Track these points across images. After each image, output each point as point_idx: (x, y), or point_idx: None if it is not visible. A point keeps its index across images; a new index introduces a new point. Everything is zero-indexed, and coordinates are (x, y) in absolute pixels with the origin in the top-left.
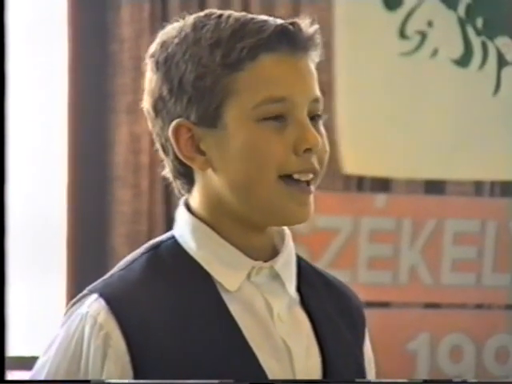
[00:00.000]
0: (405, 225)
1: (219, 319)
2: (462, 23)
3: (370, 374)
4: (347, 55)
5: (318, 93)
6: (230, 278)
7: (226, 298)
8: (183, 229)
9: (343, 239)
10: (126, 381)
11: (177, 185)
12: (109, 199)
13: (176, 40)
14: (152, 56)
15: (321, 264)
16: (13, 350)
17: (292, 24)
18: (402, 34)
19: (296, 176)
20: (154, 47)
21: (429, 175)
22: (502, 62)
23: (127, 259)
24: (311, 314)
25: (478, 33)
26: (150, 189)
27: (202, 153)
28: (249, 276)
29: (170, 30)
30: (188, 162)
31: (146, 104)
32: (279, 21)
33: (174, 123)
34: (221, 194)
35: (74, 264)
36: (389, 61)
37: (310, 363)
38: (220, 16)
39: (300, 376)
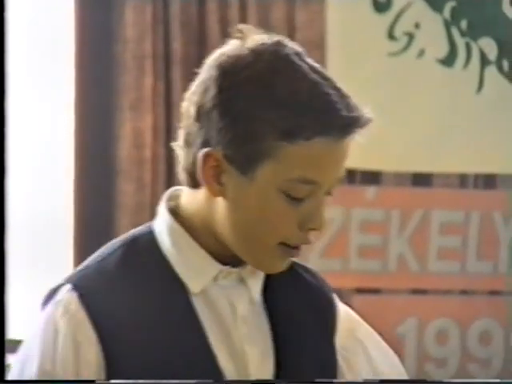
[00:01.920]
0: (393, 215)
1: (185, 319)
2: (448, 25)
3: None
4: (339, 55)
5: (343, 172)
6: (194, 280)
7: (194, 298)
8: (162, 227)
9: (335, 229)
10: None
11: (183, 175)
12: (113, 192)
13: (246, 72)
14: (218, 73)
15: (314, 253)
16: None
17: (356, 115)
18: (391, 36)
19: (292, 245)
20: (216, 66)
21: (416, 168)
22: (484, 61)
23: (104, 251)
24: (272, 316)
25: (463, 34)
26: (152, 182)
27: (221, 184)
28: (216, 279)
29: (238, 57)
30: (203, 184)
31: (192, 108)
32: (348, 107)
33: (208, 149)
34: (217, 220)
35: (80, 255)
36: (378, 60)
37: (263, 365)
38: (297, 66)
39: (253, 377)
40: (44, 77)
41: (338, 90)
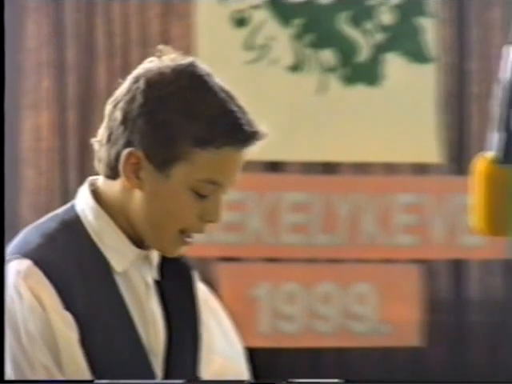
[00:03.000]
0: (250, 196)
1: (110, 294)
2: (295, 38)
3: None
4: (205, 63)
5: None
6: (117, 261)
7: (117, 277)
8: (87, 212)
9: None
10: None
11: (101, 168)
12: (16, 177)
13: (169, 88)
14: (145, 86)
15: None
16: None
17: (256, 130)
18: (247, 47)
19: (190, 233)
20: (144, 80)
21: (270, 157)
22: (326, 68)
23: (41, 227)
24: (163, 293)
25: (307, 45)
26: (47, 169)
27: (139, 178)
28: (135, 261)
29: (162, 74)
30: (123, 177)
31: (119, 113)
32: (249, 123)
33: (131, 149)
34: (133, 209)
35: None
36: (236, 67)
37: (161, 333)
38: (209, 86)
39: (160, 345)
40: None
41: (240, 107)
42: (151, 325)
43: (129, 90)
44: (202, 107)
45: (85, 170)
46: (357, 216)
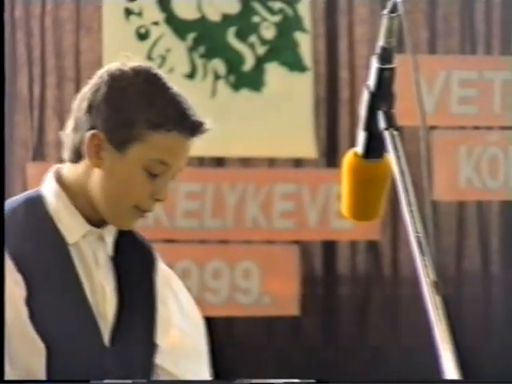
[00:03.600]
0: None
1: (64, 262)
2: (190, 50)
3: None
4: None
5: (185, 164)
6: (70, 234)
7: (70, 248)
8: (48, 191)
9: None
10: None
11: (67, 154)
12: None
13: (129, 80)
14: (108, 78)
15: None
16: None
17: (202, 122)
18: (149, 57)
19: (142, 209)
20: (108, 74)
21: None
22: (216, 76)
23: (9, 209)
24: (118, 268)
25: (201, 56)
26: None
27: (100, 158)
28: (85, 236)
29: (123, 71)
30: (86, 156)
31: (85, 103)
32: (195, 114)
33: (94, 131)
34: (92, 186)
35: None
36: None
37: (112, 298)
38: (163, 82)
39: (109, 312)
40: None
41: (189, 103)
42: (100, 293)
43: (95, 84)
44: (156, 96)
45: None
46: (243, 203)
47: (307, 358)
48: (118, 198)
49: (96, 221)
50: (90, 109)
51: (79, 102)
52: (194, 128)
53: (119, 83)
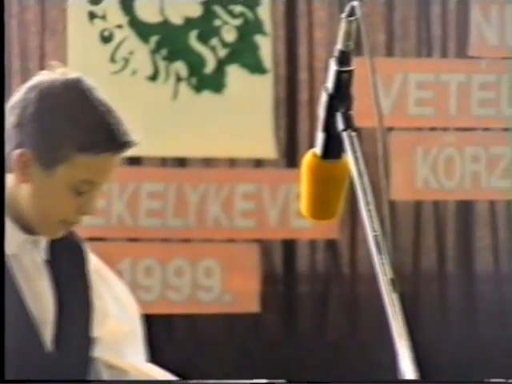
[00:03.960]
0: (113, 187)
1: (5, 274)
2: (153, 52)
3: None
4: (77, 72)
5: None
6: (7, 245)
7: (11, 259)
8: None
9: None
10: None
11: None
12: None
13: (57, 100)
14: (37, 97)
15: None
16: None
17: (129, 140)
18: (113, 59)
19: (69, 222)
20: (36, 91)
21: (130, 153)
22: (178, 78)
23: None
24: (53, 270)
25: (163, 59)
26: None
27: (28, 174)
28: (22, 245)
29: (51, 87)
30: (14, 172)
31: (13, 118)
32: (124, 133)
33: (22, 150)
34: (20, 200)
35: None
36: (104, 78)
37: (51, 307)
38: (91, 100)
39: (49, 317)
40: None
41: (117, 119)
42: (40, 298)
43: (24, 99)
44: (85, 118)
45: None
46: (204, 203)
47: (268, 355)
48: (45, 214)
49: (30, 228)
50: (18, 125)
51: (8, 115)
52: (121, 146)
53: (47, 102)
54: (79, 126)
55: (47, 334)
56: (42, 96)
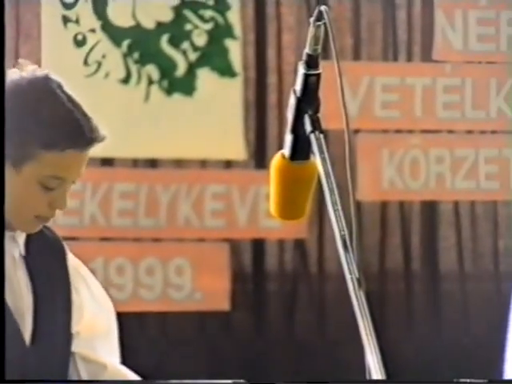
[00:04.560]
0: (87, 187)
1: None
2: (125, 56)
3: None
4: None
5: (84, 170)
6: None
7: None
8: None
9: None
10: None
11: None
12: None
13: (23, 98)
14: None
15: None
16: None
17: (96, 135)
18: (86, 63)
19: (43, 217)
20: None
21: (103, 154)
22: (150, 81)
23: None
24: (30, 265)
25: (135, 62)
26: None
27: None
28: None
29: (17, 86)
30: None
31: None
32: (91, 129)
33: None
34: None
35: None
36: (77, 81)
37: (29, 301)
38: (58, 97)
39: (27, 311)
40: None
41: (85, 115)
42: (18, 294)
43: None
44: (50, 116)
45: None
46: (175, 203)
47: (238, 351)
48: (19, 210)
49: (7, 224)
50: None
51: None
52: (88, 142)
53: (15, 101)
54: (44, 124)
55: (26, 328)
56: (8, 94)
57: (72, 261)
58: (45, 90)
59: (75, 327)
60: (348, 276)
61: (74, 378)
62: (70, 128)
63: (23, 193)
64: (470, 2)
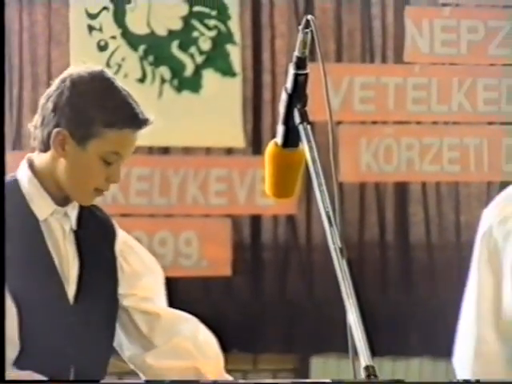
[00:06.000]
0: None
1: (35, 235)
2: (141, 59)
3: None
4: None
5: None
6: (40, 212)
7: (41, 224)
8: (21, 176)
9: None
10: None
11: (36, 143)
12: None
13: (86, 86)
14: (70, 84)
15: None
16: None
17: (147, 117)
18: (108, 65)
19: (100, 189)
20: (69, 80)
21: None
22: (163, 80)
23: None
24: (81, 239)
25: (150, 64)
26: None
27: (64, 150)
28: (53, 213)
29: (81, 77)
30: (53, 149)
31: (50, 103)
32: (142, 112)
33: (59, 129)
34: (59, 173)
35: None
36: None
37: (75, 267)
38: (115, 85)
39: (73, 275)
40: None
41: (135, 102)
42: (65, 260)
43: (58, 87)
44: (109, 99)
45: None
46: (184, 184)
47: (238, 311)
48: (80, 183)
49: (61, 200)
50: (55, 109)
51: (45, 101)
52: (141, 123)
53: (79, 88)
54: (106, 107)
55: (70, 290)
56: (73, 84)
57: (122, 236)
58: (104, 80)
59: (129, 290)
60: (332, 246)
61: (129, 329)
62: (127, 110)
63: (87, 167)
64: (435, 12)
